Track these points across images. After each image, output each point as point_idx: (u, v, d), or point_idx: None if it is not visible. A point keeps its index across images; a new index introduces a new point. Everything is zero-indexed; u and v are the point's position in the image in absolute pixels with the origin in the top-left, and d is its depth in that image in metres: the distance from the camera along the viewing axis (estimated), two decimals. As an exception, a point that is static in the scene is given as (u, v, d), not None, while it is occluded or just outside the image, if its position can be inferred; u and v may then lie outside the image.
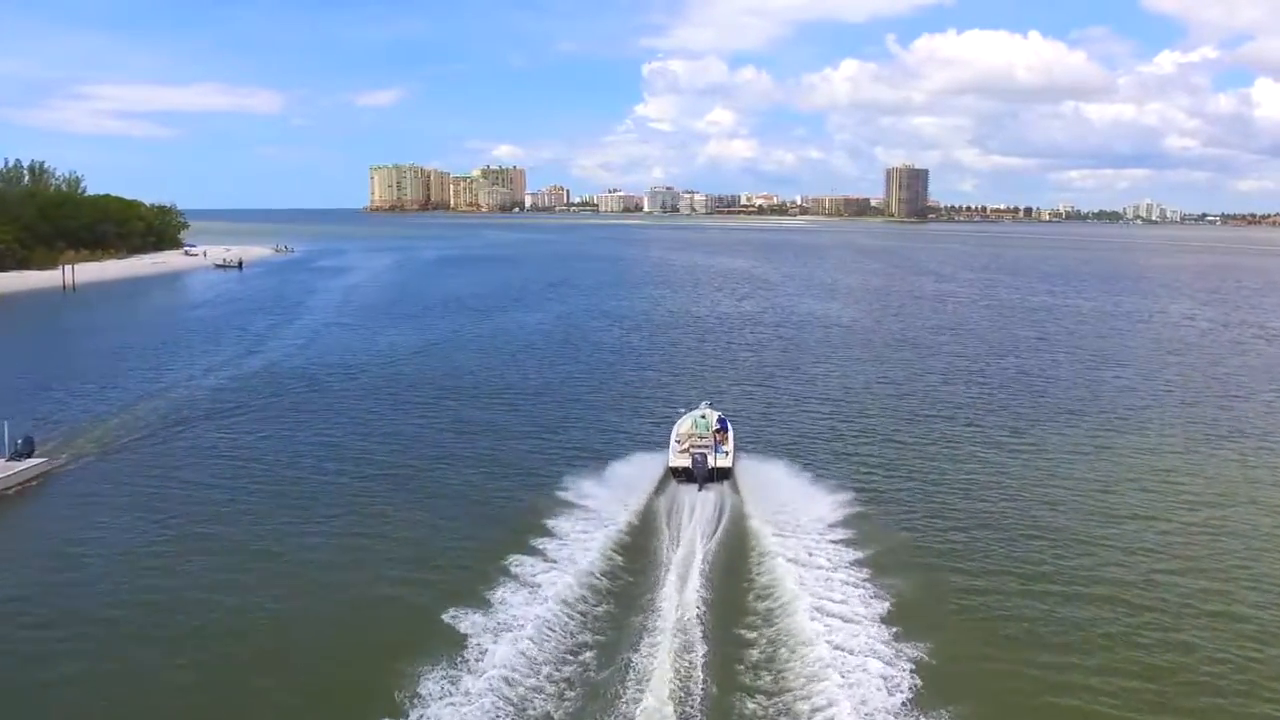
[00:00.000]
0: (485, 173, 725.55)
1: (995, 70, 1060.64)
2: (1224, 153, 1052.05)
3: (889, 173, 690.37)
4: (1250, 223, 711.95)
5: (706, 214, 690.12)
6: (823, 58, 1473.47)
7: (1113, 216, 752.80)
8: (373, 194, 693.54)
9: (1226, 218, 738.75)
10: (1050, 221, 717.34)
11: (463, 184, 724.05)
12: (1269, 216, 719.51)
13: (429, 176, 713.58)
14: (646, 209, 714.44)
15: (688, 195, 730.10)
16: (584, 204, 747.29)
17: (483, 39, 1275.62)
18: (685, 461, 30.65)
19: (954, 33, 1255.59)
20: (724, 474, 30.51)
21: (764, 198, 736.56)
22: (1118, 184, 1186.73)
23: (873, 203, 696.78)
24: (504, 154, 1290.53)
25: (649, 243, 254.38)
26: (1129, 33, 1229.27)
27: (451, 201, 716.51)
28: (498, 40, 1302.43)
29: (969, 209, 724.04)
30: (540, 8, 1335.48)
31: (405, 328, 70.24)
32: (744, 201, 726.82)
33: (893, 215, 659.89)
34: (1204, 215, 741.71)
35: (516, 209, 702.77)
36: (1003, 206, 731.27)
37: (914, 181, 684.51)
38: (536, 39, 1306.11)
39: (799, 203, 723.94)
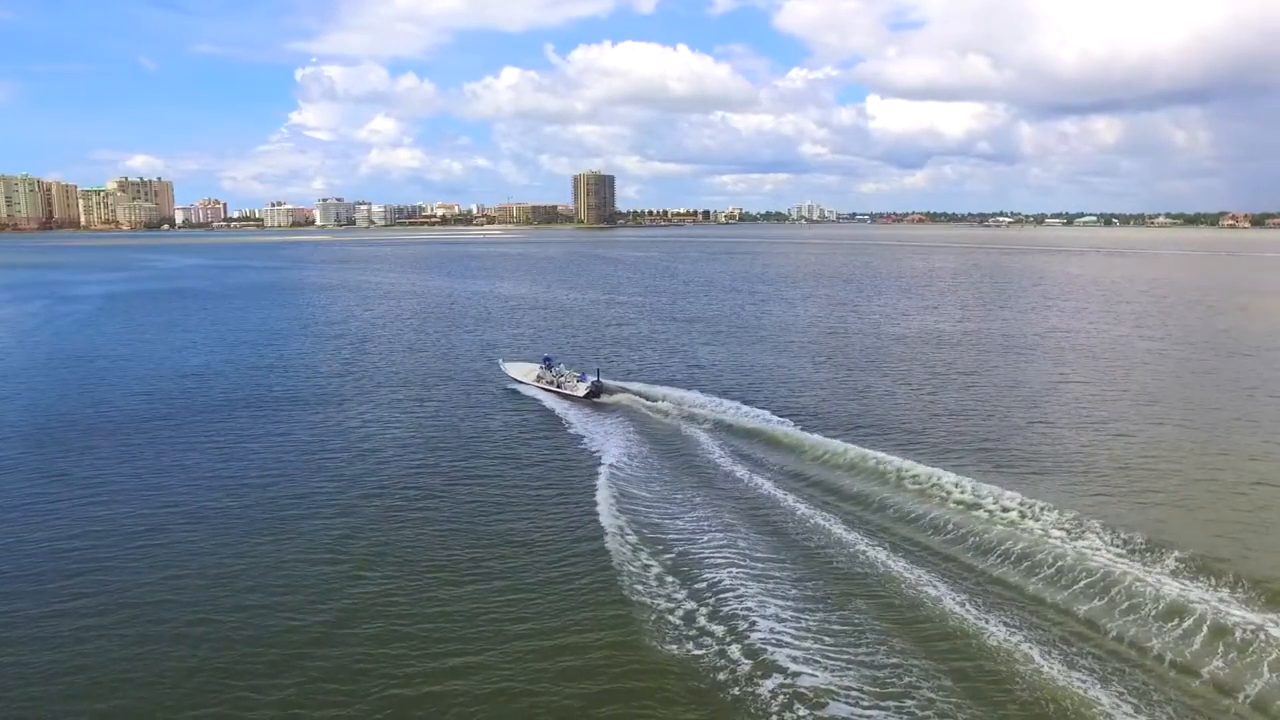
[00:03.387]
0: (123, 185, 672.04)
1: (650, 81, 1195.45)
2: (849, 158, 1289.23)
3: (576, 179, 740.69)
4: (895, 221, 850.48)
5: (386, 225, 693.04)
6: (484, 66, 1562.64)
7: (780, 217, 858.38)
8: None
9: (875, 216, 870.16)
10: (727, 224, 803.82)
11: (95, 198, 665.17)
12: (910, 215, 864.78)
13: (49, 190, 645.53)
14: (319, 221, 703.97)
15: (363, 206, 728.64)
16: (246, 218, 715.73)
17: (103, 36, 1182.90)
18: (585, 390, 53.92)
19: (609, 44, 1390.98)
20: (604, 388, 54.46)
21: (445, 207, 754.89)
22: (764, 187, 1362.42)
23: (559, 209, 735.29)
24: (141, 165, 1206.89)
25: (373, 263, 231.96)
26: (765, 50, 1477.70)
27: (83, 219, 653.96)
28: (122, 38, 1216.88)
29: (652, 213, 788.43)
30: (172, 5, 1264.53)
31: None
32: (426, 212, 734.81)
33: (583, 222, 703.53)
34: (854, 214, 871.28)
35: (166, 226, 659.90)
36: (683, 210, 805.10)
37: (601, 188, 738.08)
38: (169, 39, 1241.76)
39: (480, 211, 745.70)
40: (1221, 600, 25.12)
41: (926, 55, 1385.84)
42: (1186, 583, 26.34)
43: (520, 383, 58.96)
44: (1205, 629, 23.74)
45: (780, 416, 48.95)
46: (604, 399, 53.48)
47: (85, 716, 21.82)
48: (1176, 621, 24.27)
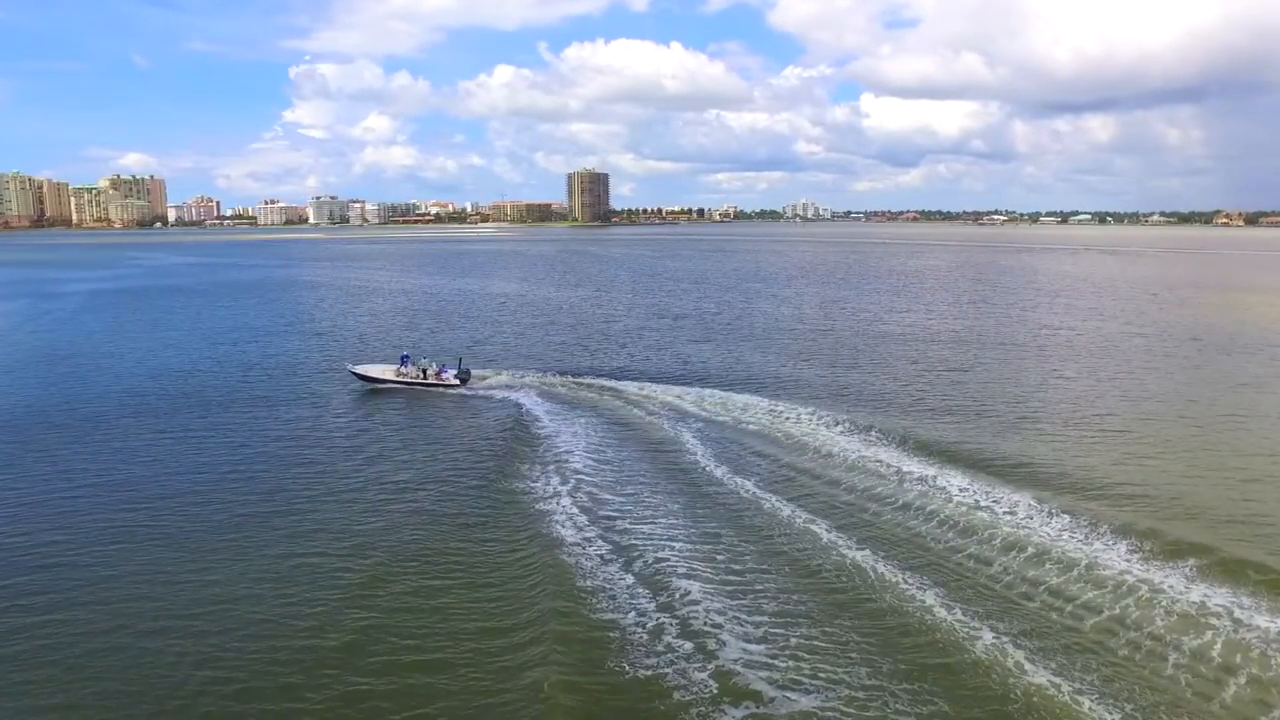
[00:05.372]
0: (115, 183, 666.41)
1: (645, 79, 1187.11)
2: (844, 157, 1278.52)
3: (570, 178, 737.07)
4: (890, 219, 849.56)
5: (380, 224, 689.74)
6: (478, 64, 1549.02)
7: (775, 216, 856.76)
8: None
9: (870, 215, 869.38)
10: (721, 222, 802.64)
11: (87, 196, 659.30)
12: (905, 213, 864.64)
13: (41, 188, 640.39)
14: (313, 220, 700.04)
15: (357, 205, 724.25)
16: (239, 216, 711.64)
17: (96, 33, 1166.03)
18: (455, 380, 56.72)
19: (603, 42, 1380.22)
20: (470, 374, 57.83)
21: (440, 205, 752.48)
22: (759, 185, 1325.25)
23: (554, 208, 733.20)
24: (134, 163, 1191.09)
25: (364, 261, 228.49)
26: (759, 48, 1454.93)
27: (75, 217, 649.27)
28: (115, 36, 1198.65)
29: (647, 212, 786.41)
30: (165, 3, 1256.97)
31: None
32: (420, 210, 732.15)
33: (578, 220, 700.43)
34: (849, 213, 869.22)
35: (158, 224, 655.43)
36: (678, 209, 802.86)
37: (595, 186, 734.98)
38: (161, 36, 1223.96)
39: (475, 209, 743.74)
40: (1241, 609, 23.29)
41: (920, 53, 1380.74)
42: (1198, 591, 24.54)
43: (380, 381, 57.66)
44: (1221, 643, 21.97)
45: (752, 394, 48.57)
46: (475, 385, 56.99)
47: (48, 714, 20.86)
48: (1193, 634, 22.50)
